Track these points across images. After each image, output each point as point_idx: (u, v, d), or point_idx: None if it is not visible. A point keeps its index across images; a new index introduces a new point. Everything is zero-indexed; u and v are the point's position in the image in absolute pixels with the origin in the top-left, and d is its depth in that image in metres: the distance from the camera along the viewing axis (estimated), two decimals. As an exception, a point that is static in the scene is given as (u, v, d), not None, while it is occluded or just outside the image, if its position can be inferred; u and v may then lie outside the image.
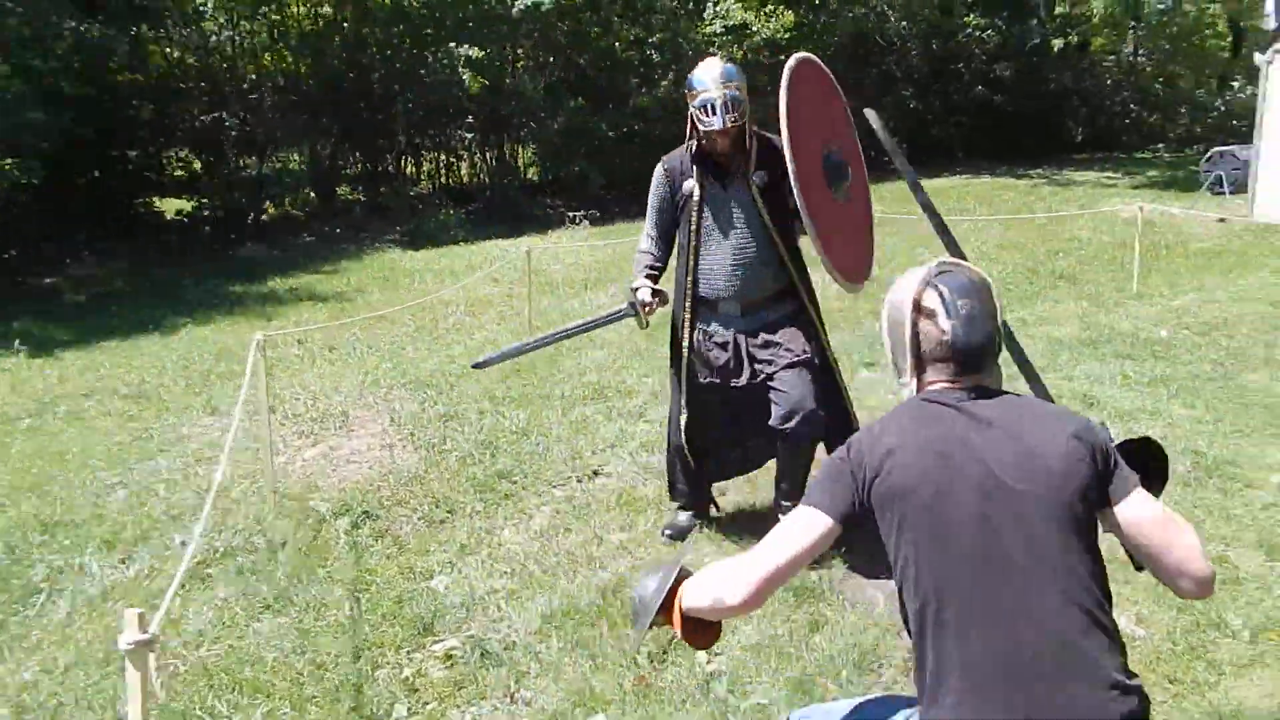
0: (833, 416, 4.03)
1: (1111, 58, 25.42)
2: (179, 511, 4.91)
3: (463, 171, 17.11)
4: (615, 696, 3.24)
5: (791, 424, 3.89)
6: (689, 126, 3.93)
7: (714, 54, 4.63)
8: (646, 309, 4.03)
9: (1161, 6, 22.51)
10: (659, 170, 4.09)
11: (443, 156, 16.86)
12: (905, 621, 1.91)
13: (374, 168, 15.97)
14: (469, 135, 15.70)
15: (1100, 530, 1.88)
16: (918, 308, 2.00)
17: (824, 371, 4.07)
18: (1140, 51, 25.99)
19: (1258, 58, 12.69)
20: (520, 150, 16.97)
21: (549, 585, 3.98)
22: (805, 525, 1.95)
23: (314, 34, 14.86)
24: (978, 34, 21.24)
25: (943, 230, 2.65)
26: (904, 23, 20.07)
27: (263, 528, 4.61)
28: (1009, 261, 10.52)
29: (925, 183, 2.99)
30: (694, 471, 4.34)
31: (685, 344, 4.16)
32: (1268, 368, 6.59)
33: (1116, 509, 1.87)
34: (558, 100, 14.58)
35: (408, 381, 6.82)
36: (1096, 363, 6.68)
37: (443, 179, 16.73)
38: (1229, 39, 27.16)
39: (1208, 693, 3.15)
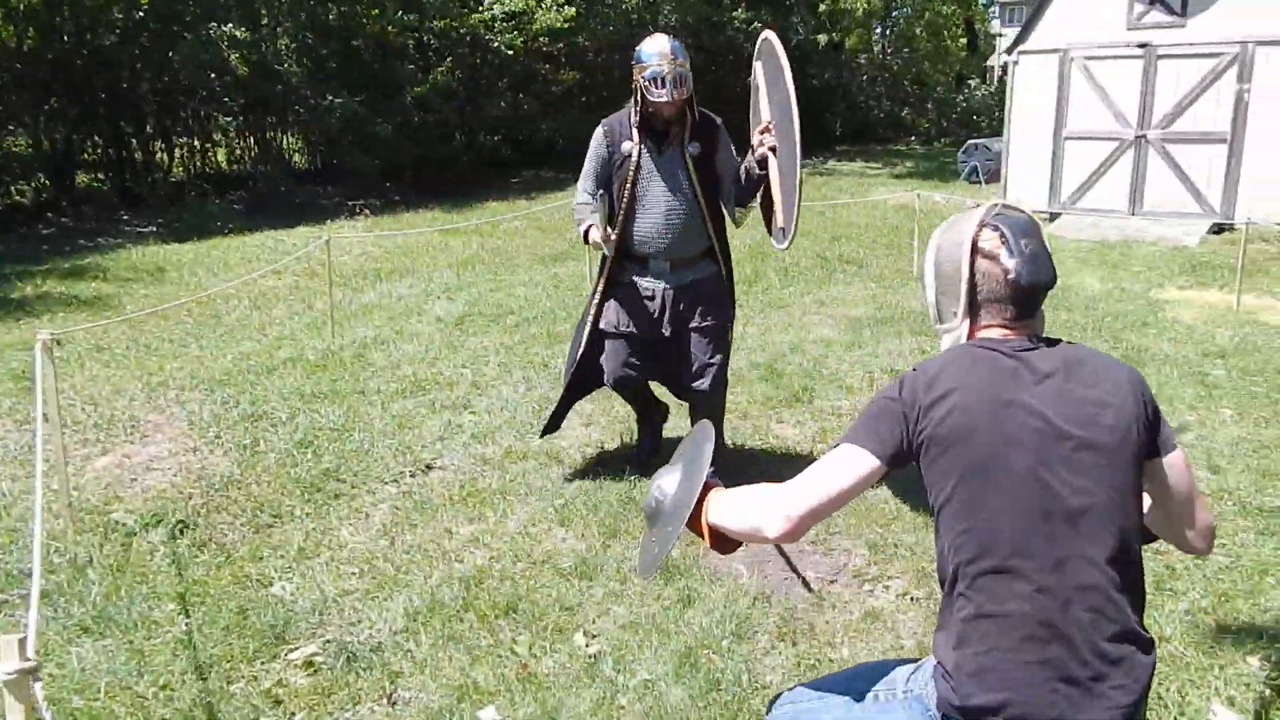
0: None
1: (864, 56, 27.09)
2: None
3: (220, 158, 16.02)
4: (499, 688, 3.16)
5: (700, 381, 4.43)
6: (635, 94, 4.26)
7: (659, 32, 4.83)
8: (607, 239, 4.28)
9: (908, 9, 24.24)
10: (599, 130, 4.41)
11: (197, 143, 15.70)
12: (942, 561, 1.89)
13: (119, 153, 14.65)
14: (229, 120, 14.71)
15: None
16: (975, 249, 1.95)
17: (721, 338, 4.53)
18: (889, 51, 27.81)
19: (1004, 58, 13.85)
20: (286, 138, 16.09)
21: (405, 583, 3.83)
22: (852, 464, 1.88)
23: (41, 6, 13.45)
24: (744, 28, 22.06)
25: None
26: (674, 16, 20.53)
27: (60, 545, 4.16)
28: (799, 247, 10.97)
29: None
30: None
31: (599, 295, 4.52)
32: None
33: (1165, 460, 1.91)
34: (328, 86, 13.90)
35: (201, 381, 6.33)
36: (895, 339, 7.12)
37: (198, 166, 15.58)
38: (965, 40, 29.61)
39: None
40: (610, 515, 4.33)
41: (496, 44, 15.48)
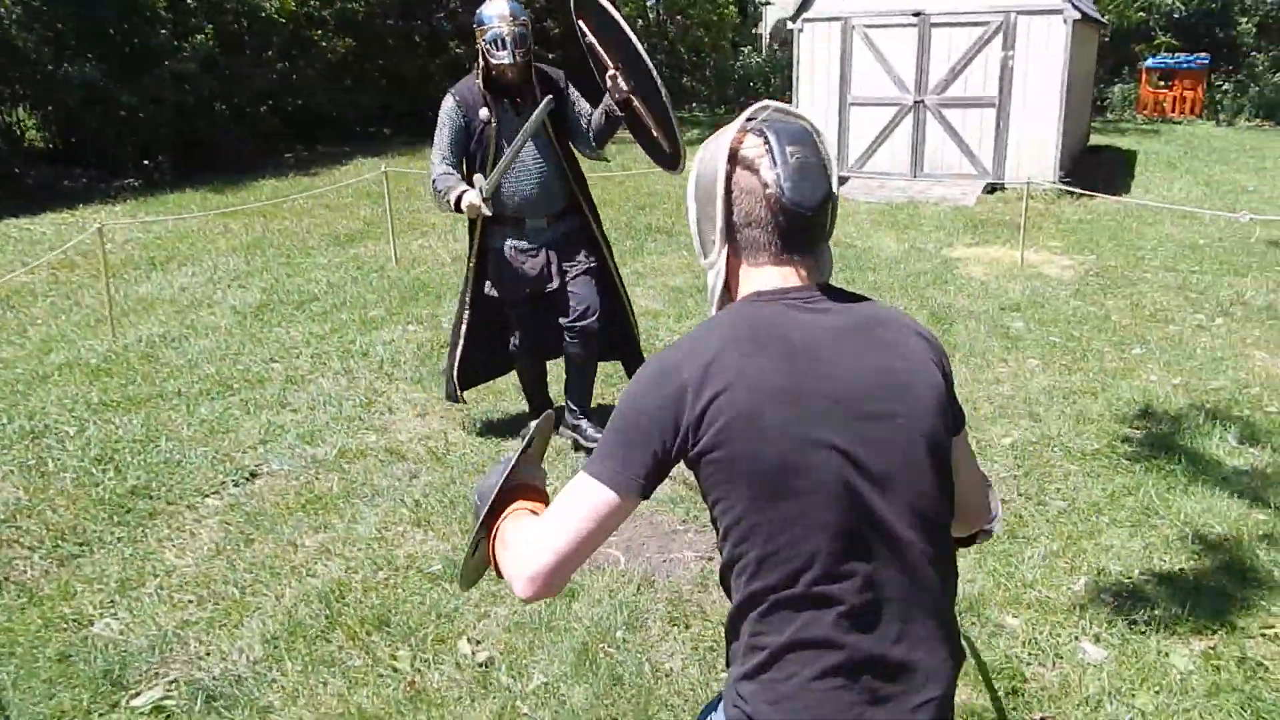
0: (616, 326, 4.71)
1: (639, 22, 27.09)
2: None
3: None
4: (387, 711, 2.88)
5: (585, 321, 4.45)
6: (479, 57, 4.28)
7: None
8: (487, 203, 4.29)
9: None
10: (449, 101, 4.33)
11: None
12: (728, 578, 1.51)
13: None
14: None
15: None
16: (733, 157, 1.53)
17: (606, 277, 4.67)
18: (664, 19, 27.92)
19: (783, 24, 14.12)
20: (17, 113, 14.34)
21: (254, 606, 3.45)
22: (593, 503, 1.46)
23: None
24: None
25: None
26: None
27: None
28: (604, 218, 10.84)
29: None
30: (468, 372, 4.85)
31: (474, 263, 4.57)
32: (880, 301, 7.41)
33: (958, 438, 1.61)
34: (65, 57, 12.46)
35: (-41, 396, 5.55)
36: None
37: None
38: (736, 8, 30.21)
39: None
40: (470, 510, 4.07)
41: (264, 11, 14.46)
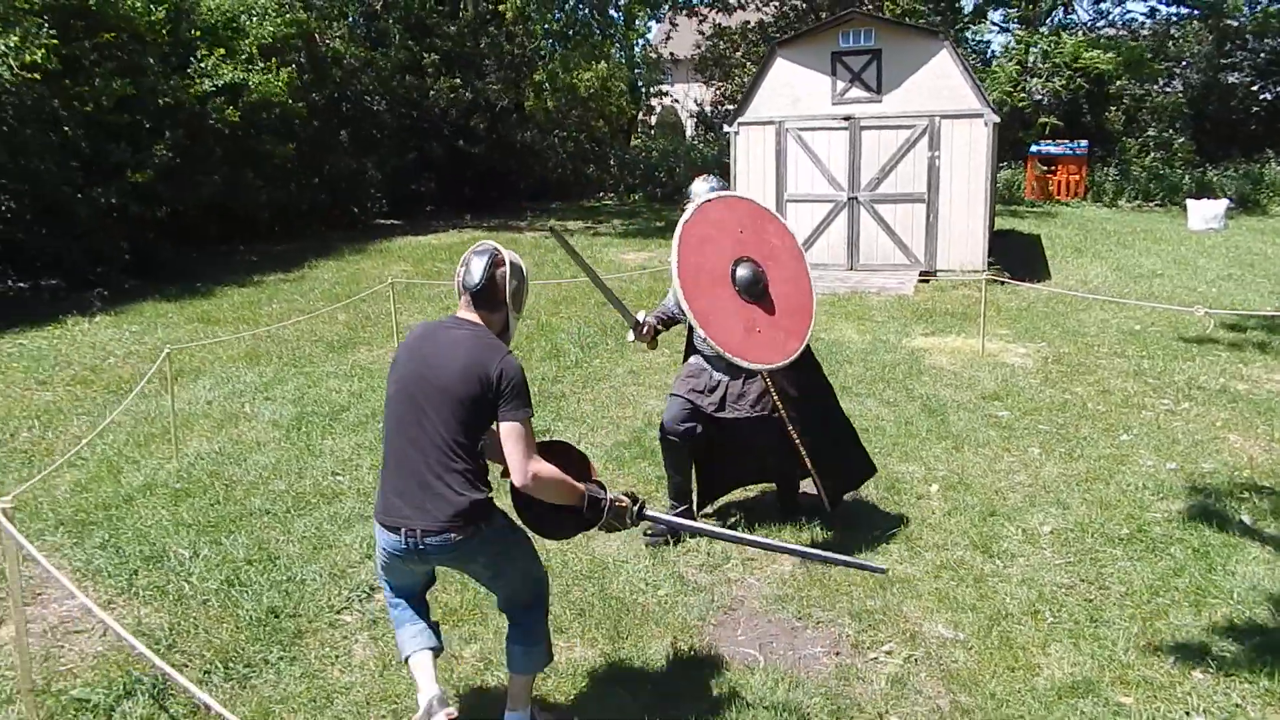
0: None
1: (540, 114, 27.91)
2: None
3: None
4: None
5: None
6: None
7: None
8: (645, 330, 5.38)
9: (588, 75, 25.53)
10: None
11: None
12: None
13: None
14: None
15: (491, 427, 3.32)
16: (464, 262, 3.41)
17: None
18: (563, 110, 28.79)
19: (726, 129, 15.02)
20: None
21: None
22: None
23: None
24: (448, 94, 22.44)
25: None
26: (375, 85, 20.52)
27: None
28: (580, 318, 11.37)
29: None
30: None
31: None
32: (850, 395, 8.06)
33: (499, 422, 3.26)
34: (20, 167, 12.47)
35: (55, 522, 5.64)
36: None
37: None
38: (628, 100, 31.35)
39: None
40: (613, 614, 4.49)
41: (214, 120, 14.69)
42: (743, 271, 4.81)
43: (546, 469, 3.29)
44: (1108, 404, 7.71)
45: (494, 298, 3.34)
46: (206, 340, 10.08)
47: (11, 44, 11.66)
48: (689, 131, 35.90)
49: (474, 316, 3.35)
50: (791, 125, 14.17)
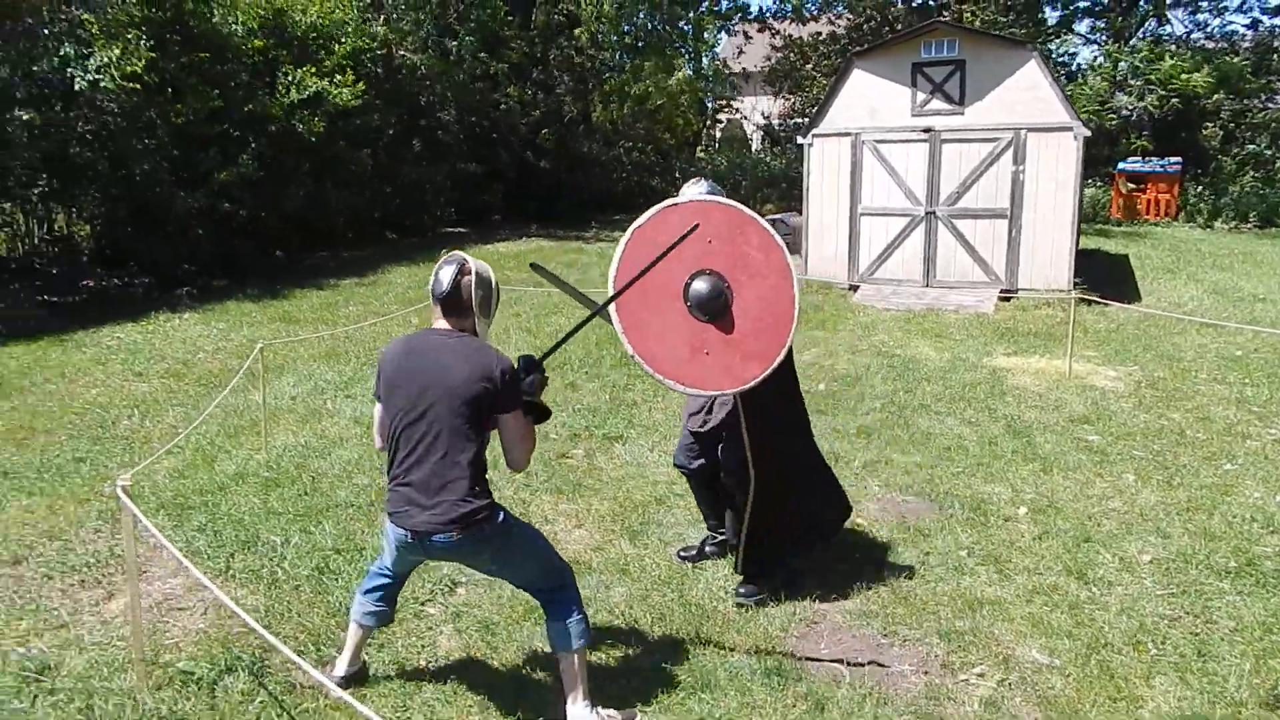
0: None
1: (608, 125, 28.01)
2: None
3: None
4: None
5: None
6: None
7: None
8: None
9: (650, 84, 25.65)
10: None
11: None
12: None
13: None
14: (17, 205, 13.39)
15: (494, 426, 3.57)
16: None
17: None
18: (629, 122, 28.83)
19: (800, 140, 14.93)
20: (68, 219, 14.79)
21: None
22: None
23: None
24: (518, 105, 22.72)
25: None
26: (449, 93, 20.90)
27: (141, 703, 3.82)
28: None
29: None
30: None
31: None
32: (929, 413, 7.94)
33: (500, 417, 3.54)
34: (130, 172, 12.98)
35: (154, 506, 5.81)
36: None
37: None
38: (695, 113, 31.29)
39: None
40: (694, 620, 4.47)
41: (300, 128, 15.07)
42: (699, 285, 4.17)
43: (531, 444, 3.68)
44: (1208, 431, 7.45)
45: (461, 305, 3.60)
46: (289, 339, 10.27)
47: (113, 56, 12.15)
48: (755, 145, 35.80)
49: (447, 325, 3.62)
50: (868, 137, 14.02)
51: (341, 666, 3.95)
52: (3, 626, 4.50)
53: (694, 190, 4.62)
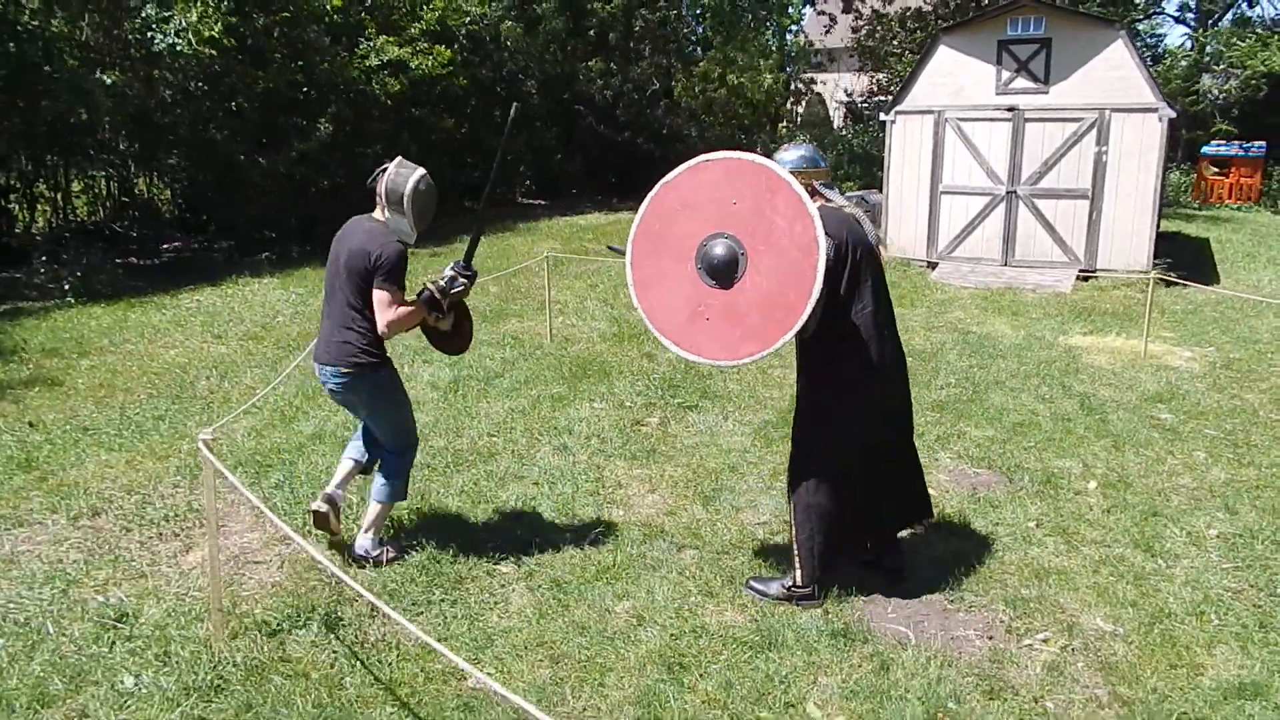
0: None
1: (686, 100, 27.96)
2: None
3: (81, 208, 14.90)
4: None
5: None
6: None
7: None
8: None
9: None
10: None
11: (53, 192, 14.48)
12: None
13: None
14: (100, 169, 13.78)
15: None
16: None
17: None
18: (707, 97, 28.69)
19: (883, 116, 14.79)
20: (150, 184, 15.20)
21: (605, 667, 3.90)
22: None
23: None
24: (596, 78, 22.74)
25: None
26: (529, 65, 20.99)
27: (217, 652, 3.98)
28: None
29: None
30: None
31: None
32: (1003, 389, 7.88)
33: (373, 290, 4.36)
34: (210, 136, 13.29)
35: (236, 463, 6.05)
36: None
37: (60, 217, 14.42)
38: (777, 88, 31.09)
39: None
40: (737, 574, 4.54)
41: (377, 92, 15.25)
42: (715, 249, 4.04)
43: (392, 316, 4.39)
44: (1283, 413, 7.33)
45: (374, 196, 4.51)
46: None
47: (191, 20, 12.38)
48: (836, 122, 35.37)
49: (379, 214, 4.52)
50: (951, 115, 13.85)
51: (328, 489, 4.81)
52: (82, 575, 4.65)
53: (787, 155, 4.43)
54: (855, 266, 4.23)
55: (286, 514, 5.31)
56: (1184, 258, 14.90)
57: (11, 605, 4.36)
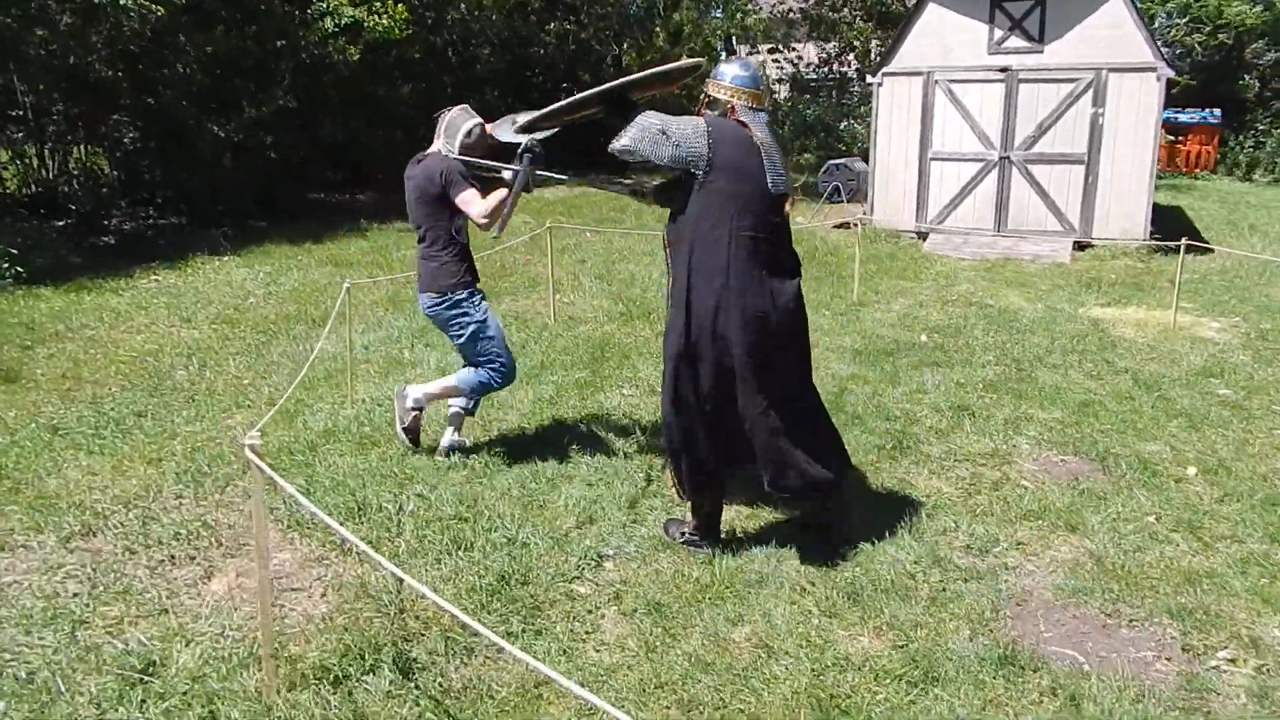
0: None
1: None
2: None
3: (10, 180, 13.65)
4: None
5: None
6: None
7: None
8: None
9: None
10: None
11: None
12: None
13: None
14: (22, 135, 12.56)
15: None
16: None
17: None
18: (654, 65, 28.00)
19: (870, 79, 14.25)
20: (83, 151, 13.97)
21: (740, 713, 3.29)
22: None
23: None
24: (554, 41, 21.90)
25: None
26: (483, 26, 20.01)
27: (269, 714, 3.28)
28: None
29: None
30: None
31: None
32: (1046, 366, 7.43)
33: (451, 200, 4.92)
34: (155, 97, 12.22)
35: (241, 468, 5.30)
36: (915, 371, 7.19)
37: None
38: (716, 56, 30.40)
39: None
40: (893, 601, 3.96)
41: (335, 58, 14.26)
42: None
43: (484, 206, 4.84)
44: (1342, 384, 6.97)
45: (445, 134, 5.00)
46: (353, 281, 9.70)
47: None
48: (780, 95, 34.80)
49: (435, 147, 5.03)
50: (941, 76, 13.36)
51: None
52: (89, 613, 3.87)
53: (725, 68, 4.47)
54: (718, 189, 4.10)
55: (319, 528, 4.56)
56: (1163, 226, 14.61)
57: (9, 656, 3.58)
